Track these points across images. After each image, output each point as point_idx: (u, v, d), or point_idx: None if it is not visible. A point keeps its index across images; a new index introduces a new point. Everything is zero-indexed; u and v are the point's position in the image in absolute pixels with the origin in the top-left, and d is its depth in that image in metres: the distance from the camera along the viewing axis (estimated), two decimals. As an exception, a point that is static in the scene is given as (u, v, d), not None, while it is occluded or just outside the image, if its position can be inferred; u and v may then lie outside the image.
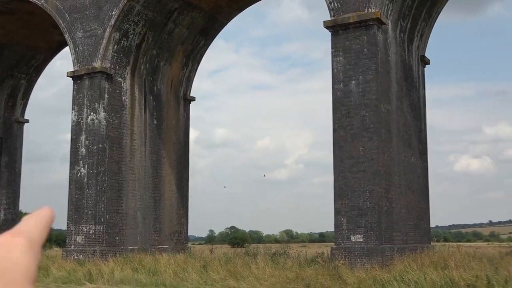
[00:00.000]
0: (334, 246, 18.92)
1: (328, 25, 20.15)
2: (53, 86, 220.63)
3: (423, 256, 17.66)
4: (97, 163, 23.59)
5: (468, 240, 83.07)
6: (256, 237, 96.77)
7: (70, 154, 24.39)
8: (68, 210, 23.90)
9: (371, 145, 18.89)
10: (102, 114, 24.01)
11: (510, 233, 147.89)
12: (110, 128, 24.21)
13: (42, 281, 18.66)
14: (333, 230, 19.32)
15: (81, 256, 22.72)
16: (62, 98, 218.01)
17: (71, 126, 24.59)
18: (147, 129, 26.24)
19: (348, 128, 19.30)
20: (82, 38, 25.05)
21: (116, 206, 24.09)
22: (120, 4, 24.15)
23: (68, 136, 24.78)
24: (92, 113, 24.06)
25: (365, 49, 19.48)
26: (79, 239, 23.31)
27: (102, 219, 23.34)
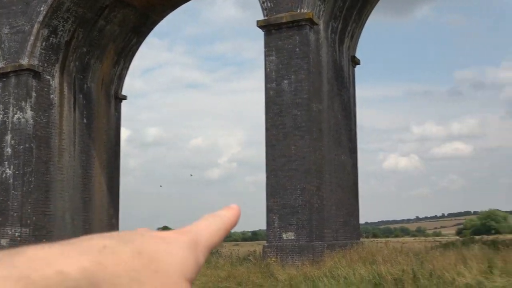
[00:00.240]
0: (266, 244, 19.09)
1: (261, 25, 20.30)
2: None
3: (352, 252, 18.08)
4: (23, 163, 22.82)
5: (396, 236, 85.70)
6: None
7: (-5, 154, 23.49)
8: (-8, 212, 23.01)
9: (303, 143, 19.17)
10: (29, 113, 23.24)
11: (435, 228, 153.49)
12: (37, 127, 23.48)
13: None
14: (265, 228, 19.50)
15: (7, 259, 21.90)
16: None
17: (-4, 125, 23.68)
18: (77, 128, 25.61)
19: (280, 127, 19.51)
20: (9, 34, 24.15)
21: (44, 207, 23.39)
22: (49, 0, 23.46)
23: (-8, 135, 23.83)
24: (18, 111, 23.24)
25: (297, 49, 19.74)
26: (3, 242, 22.48)
27: (28, 221, 22.60)
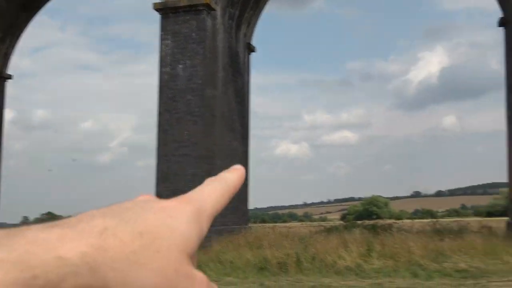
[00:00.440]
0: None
1: (158, 8, 20.04)
2: None
3: (240, 237, 18.46)
4: None
5: (284, 221, 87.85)
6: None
7: None
8: None
9: (196, 129, 19.24)
10: None
11: (321, 213, 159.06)
12: None
13: None
14: (156, 212, 19.37)
15: None
16: None
17: None
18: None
19: (174, 112, 19.45)
20: None
21: None
22: None
23: None
24: None
25: (193, 34, 19.70)
26: None
27: None
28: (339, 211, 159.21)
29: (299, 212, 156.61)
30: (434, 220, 23.78)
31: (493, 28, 22.71)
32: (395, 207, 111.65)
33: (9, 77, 27.45)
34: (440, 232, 18.58)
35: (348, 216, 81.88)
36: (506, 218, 21.99)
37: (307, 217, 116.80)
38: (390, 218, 66.20)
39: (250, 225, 24.58)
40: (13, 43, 27.14)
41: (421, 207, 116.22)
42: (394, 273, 12.96)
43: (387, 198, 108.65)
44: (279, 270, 13.86)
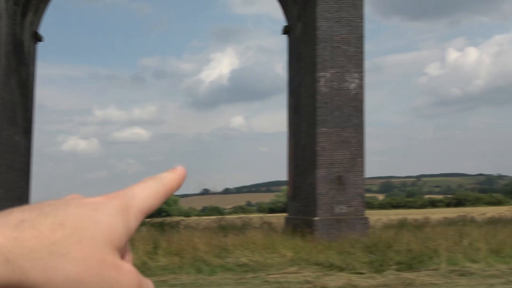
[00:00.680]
0: None
1: None
2: None
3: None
4: None
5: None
6: None
7: None
8: None
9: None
10: None
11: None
12: None
13: None
14: None
15: None
16: None
17: None
18: None
19: None
20: None
21: None
22: None
23: None
24: None
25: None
26: None
27: None
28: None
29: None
30: (221, 217, 24.69)
31: (279, 35, 24.31)
32: (184, 204, 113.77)
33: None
34: (224, 229, 19.35)
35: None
36: (285, 214, 23.64)
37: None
38: (179, 215, 67.22)
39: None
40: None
41: (210, 204, 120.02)
42: (179, 270, 13.17)
43: (176, 195, 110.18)
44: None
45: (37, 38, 23.51)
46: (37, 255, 0.49)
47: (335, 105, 18.98)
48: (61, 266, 0.50)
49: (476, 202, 77.68)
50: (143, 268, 13.47)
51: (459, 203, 77.82)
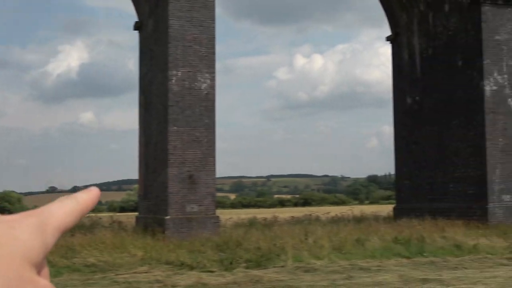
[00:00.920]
0: None
1: None
2: None
3: None
4: None
5: None
6: None
7: None
8: None
9: None
10: None
11: None
12: None
13: None
14: None
15: None
16: None
17: None
18: None
19: None
20: None
21: None
22: None
23: None
24: None
25: None
26: None
27: None
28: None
29: None
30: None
31: (131, 30, 23.77)
32: (29, 203, 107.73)
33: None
34: (71, 228, 18.57)
35: (-25, 212, 75.77)
36: (137, 213, 23.25)
37: None
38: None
39: None
40: None
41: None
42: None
43: (20, 193, 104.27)
44: None
45: None
46: None
47: (187, 104, 19.02)
48: None
49: (321, 202, 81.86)
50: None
51: (306, 202, 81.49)
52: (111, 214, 32.37)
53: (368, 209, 35.79)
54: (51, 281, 0.59)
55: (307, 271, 12.46)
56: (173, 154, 18.70)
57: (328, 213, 28.00)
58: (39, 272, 0.56)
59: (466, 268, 12.74)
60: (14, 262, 0.52)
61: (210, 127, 19.15)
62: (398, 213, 24.84)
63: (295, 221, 23.90)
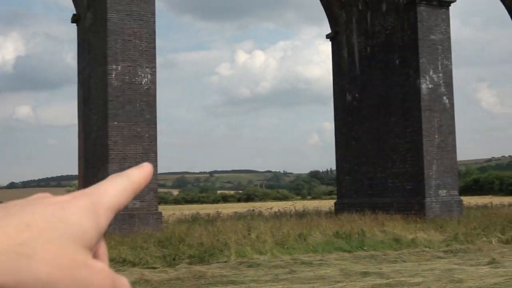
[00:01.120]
0: None
1: None
2: None
3: None
4: None
5: None
6: None
7: None
8: None
9: None
10: None
11: None
12: None
13: None
14: None
15: None
16: None
17: None
18: None
19: None
20: None
21: None
22: None
23: None
24: None
25: None
26: None
27: None
28: None
29: None
30: None
31: (68, 23, 23.18)
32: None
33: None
34: None
35: None
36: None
37: None
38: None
39: None
40: None
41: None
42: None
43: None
44: None
45: None
46: (3, 257, 0.46)
47: (127, 99, 18.79)
48: (29, 267, 0.47)
49: (264, 198, 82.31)
50: None
51: (249, 198, 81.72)
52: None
53: (310, 204, 36.30)
54: None
55: (250, 266, 12.53)
56: (113, 150, 18.43)
57: (271, 208, 28.22)
58: (94, 255, 0.54)
59: (404, 261, 13.11)
60: (65, 246, 0.50)
61: (151, 122, 18.98)
62: (339, 208, 25.29)
63: (238, 216, 23.97)
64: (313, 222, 18.28)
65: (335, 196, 28.74)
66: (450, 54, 22.43)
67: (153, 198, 18.60)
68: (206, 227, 17.44)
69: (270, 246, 14.66)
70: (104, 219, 0.55)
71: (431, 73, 22.04)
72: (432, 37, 22.19)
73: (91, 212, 0.54)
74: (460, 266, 11.82)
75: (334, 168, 28.98)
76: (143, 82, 18.97)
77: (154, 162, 18.73)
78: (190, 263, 12.91)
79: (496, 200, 36.85)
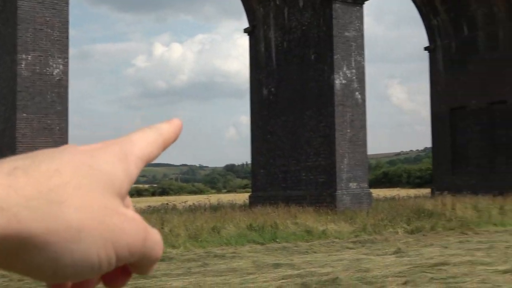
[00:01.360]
0: None
1: None
2: None
3: None
4: None
5: None
6: None
7: None
8: None
9: None
10: None
11: None
12: None
13: None
14: None
15: None
16: None
17: None
18: None
19: None
20: None
21: None
22: None
23: None
24: None
25: None
26: None
27: None
28: None
29: None
30: None
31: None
32: None
33: None
34: None
35: None
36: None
37: None
38: None
39: None
40: None
41: None
42: None
43: None
44: None
45: None
46: (33, 203, 0.44)
47: (37, 90, 18.11)
48: (60, 214, 0.45)
49: (179, 191, 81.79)
50: None
51: (163, 192, 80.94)
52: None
53: (225, 197, 36.40)
54: None
55: (162, 260, 12.40)
56: (21, 142, 17.72)
57: (186, 202, 28.06)
58: (124, 201, 0.52)
59: (315, 252, 13.40)
60: (96, 193, 0.48)
61: (62, 114, 18.38)
62: (254, 201, 25.52)
63: (151, 210, 23.66)
64: (227, 215, 18.35)
65: (250, 190, 28.97)
66: (363, 50, 23.12)
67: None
68: (118, 221, 17.08)
69: (183, 239, 14.58)
70: (134, 168, 0.53)
71: (344, 69, 22.62)
72: (346, 33, 22.77)
73: (122, 161, 0.52)
74: (368, 256, 12.22)
75: (250, 161, 29.18)
76: (54, 73, 18.33)
77: (64, 155, 18.15)
78: (100, 258, 12.61)
79: (404, 192, 38.39)
